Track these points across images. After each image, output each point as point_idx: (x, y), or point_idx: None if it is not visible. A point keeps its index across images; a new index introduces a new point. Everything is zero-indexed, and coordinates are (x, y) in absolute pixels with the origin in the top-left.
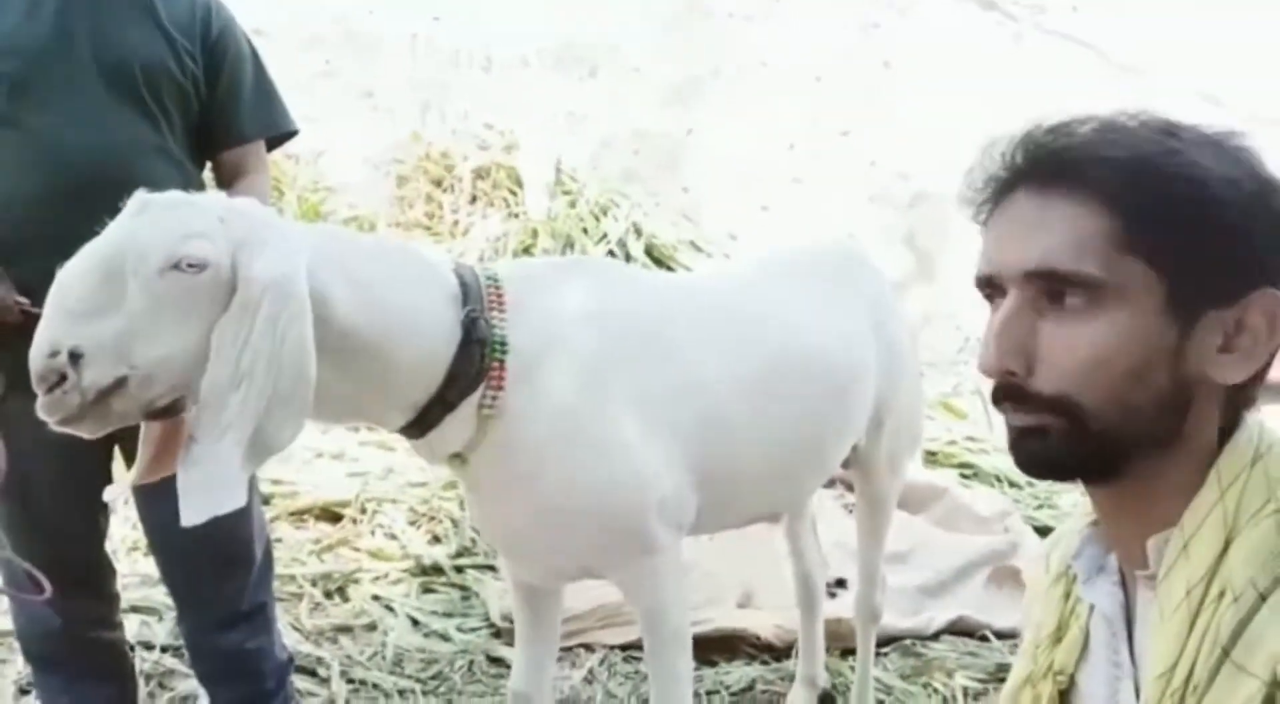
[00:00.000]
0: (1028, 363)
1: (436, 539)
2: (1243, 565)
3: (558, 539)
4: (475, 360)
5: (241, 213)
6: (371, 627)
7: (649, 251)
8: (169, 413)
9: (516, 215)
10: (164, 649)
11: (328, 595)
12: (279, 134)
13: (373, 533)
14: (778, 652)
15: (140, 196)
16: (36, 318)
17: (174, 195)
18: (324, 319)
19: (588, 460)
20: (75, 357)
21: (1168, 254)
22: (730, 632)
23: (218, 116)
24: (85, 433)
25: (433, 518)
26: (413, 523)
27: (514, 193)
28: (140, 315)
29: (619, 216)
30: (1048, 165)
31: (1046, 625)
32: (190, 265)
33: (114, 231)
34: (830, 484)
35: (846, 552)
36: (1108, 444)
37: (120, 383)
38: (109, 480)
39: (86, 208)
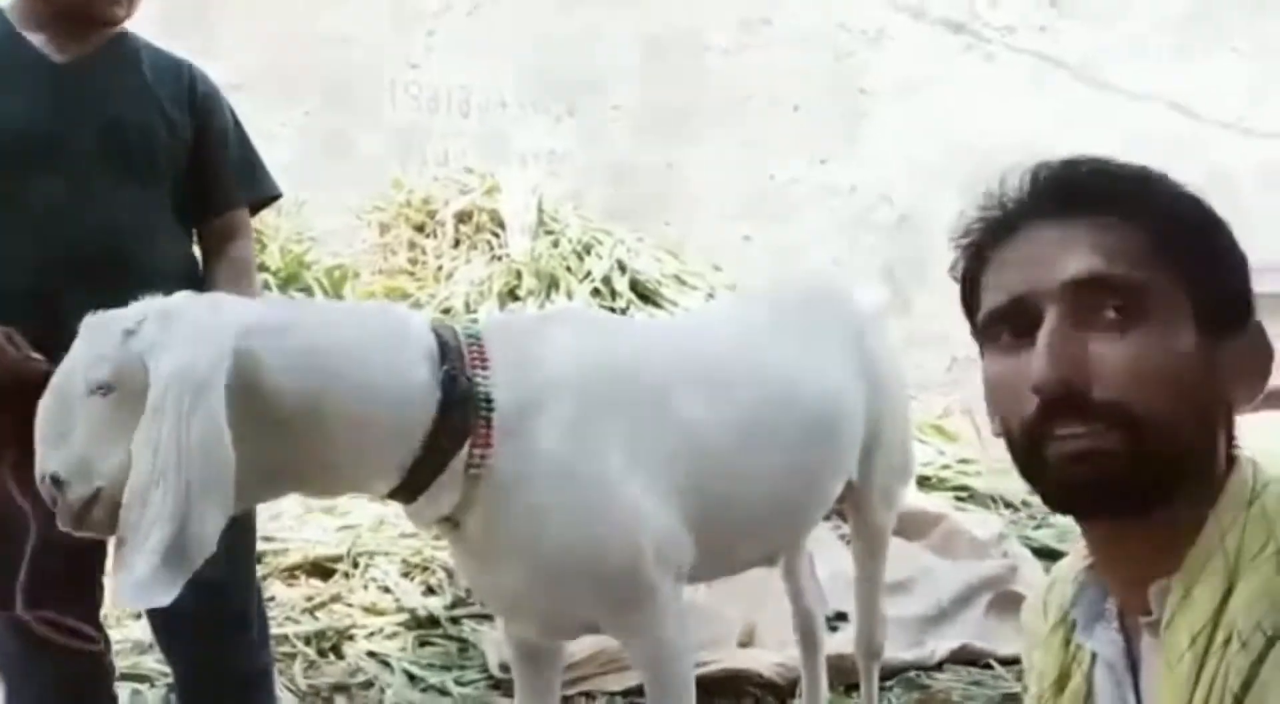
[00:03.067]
0: (1083, 373)
1: (431, 590)
2: (1247, 610)
3: (555, 598)
4: (458, 419)
5: (160, 314)
6: (368, 684)
7: (634, 287)
8: None
9: (500, 258)
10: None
11: (322, 654)
12: (263, 199)
13: (365, 587)
14: (781, 691)
15: (83, 322)
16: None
17: (98, 317)
18: (269, 394)
19: (582, 516)
20: (56, 481)
21: (1192, 270)
22: (733, 672)
23: (204, 183)
24: (98, 536)
25: (426, 568)
26: (406, 575)
27: (496, 235)
28: (88, 436)
29: (603, 254)
30: (1063, 194)
31: (1049, 674)
32: (98, 388)
33: (65, 359)
34: (826, 517)
35: (845, 583)
36: (1160, 466)
37: (96, 495)
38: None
39: (85, 281)
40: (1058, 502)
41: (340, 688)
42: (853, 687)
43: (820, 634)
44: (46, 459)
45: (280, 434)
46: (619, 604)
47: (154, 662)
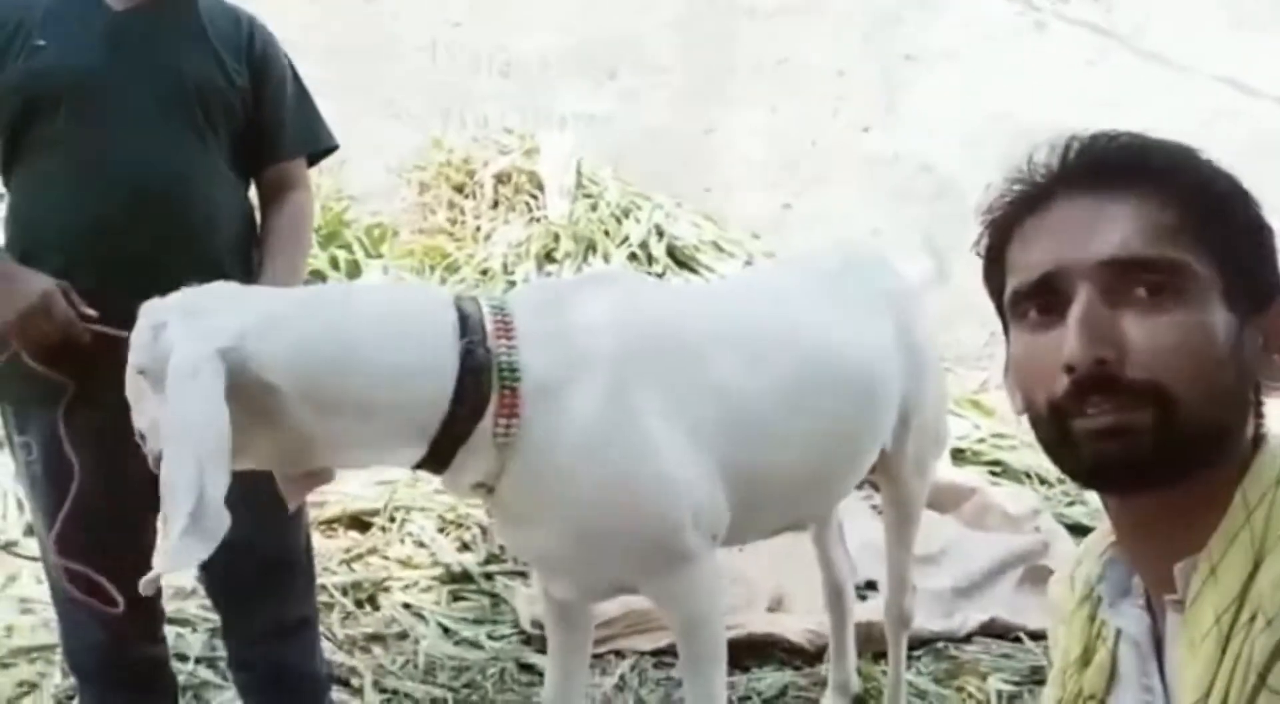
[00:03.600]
0: (1117, 351)
1: (465, 546)
2: (1273, 589)
3: (592, 558)
4: (474, 390)
5: (184, 312)
6: (403, 635)
7: (671, 253)
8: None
9: (538, 220)
10: (198, 660)
11: (358, 604)
12: (320, 150)
13: (402, 541)
14: (809, 656)
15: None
16: (103, 336)
17: (149, 306)
18: (269, 385)
19: (617, 480)
20: (142, 436)
21: (1225, 247)
22: (762, 637)
23: (261, 134)
24: None
25: (461, 525)
26: (441, 530)
27: (535, 197)
28: (151, 409)
29: (640, 219)
30: (1098, 167)
31: (1073, 650)
32: (140, 372)
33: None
34: (859, 485)
35: (875, 552)
36: (1191, 440)
37: (158, 460)
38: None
39: (141, 227)
40: (1086, 477)
41: (376, 638)
42: (881, 655)
43: (849, 601)
44: (136, 418)
45: (294, 418)
46: (654, 568)
47: (196, 607)
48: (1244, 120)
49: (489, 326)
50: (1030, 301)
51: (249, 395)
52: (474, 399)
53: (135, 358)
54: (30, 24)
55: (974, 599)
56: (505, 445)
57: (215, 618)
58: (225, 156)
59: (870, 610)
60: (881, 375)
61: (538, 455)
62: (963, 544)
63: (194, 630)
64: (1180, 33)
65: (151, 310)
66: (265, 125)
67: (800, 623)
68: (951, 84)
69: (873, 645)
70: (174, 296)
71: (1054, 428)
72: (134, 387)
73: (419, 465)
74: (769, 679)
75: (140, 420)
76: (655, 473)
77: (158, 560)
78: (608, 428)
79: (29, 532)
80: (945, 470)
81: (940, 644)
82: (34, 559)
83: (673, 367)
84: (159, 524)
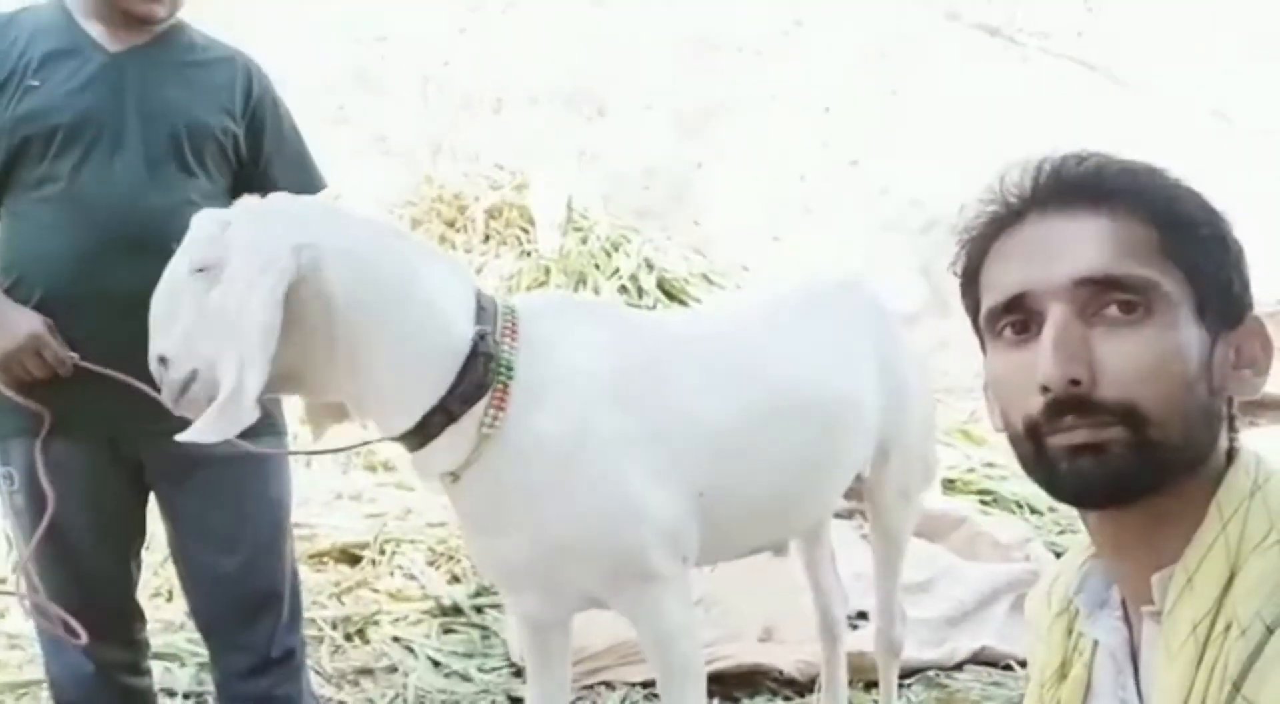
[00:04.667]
0: (1090, 372)
1: (455, 579)
2: (1248, 598)
3: (551, 569)
4: (479, 373)
5: (253, 209)
6: (392, 669)
7: (661, 286)
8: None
9: (529, 253)
10: (186, 696)
11: (348, 638)
12: (311, 192)
13: (392, 574)
14: (800, 686)
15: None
16: (83, 371)
17: (202, 213)
18: (322, 296)
19: (581, 492)
20: (163, 360)
21: (1196, 265)
22: (752, 667)
23: (255, 179)
24: (191, 415)
25: (451, 558)
26: (431, 563)
27: (526, 231)
28: (191, 317)
29: (630, 252)
30: (1069, 188)
31: (1050, 664)
32: (201, 270)
33: (178, 251)
34: (850, 515)
35: (868, 582)
36: (1164, 456)
37: (194, 374)
38: (142, 527)
39: (129, 267)
40: (1061, 492)
41: (365, 672)
42: (873, 684)
43: (840, 630)
44: (155, 341)
45: (319, 336)
46: (621, 585)
47: (185, 641)
48: (1225, 149)
49: (499, 322)
50: (1005, 320)
51: (299, 299)
52: (477, 385)
53: (196, 253)
54: (26, 64)
55: (964, 628)
56: (487, 437)
57: (204, 652)
58: (217, 195)
59: (862, 640)
60: (855, 402)
61: (512, 454)
62: (953, 573)
63: (182, 665)
64: (1164, 65)
65: (212, 213)
66: (259, 171)
67: (791, 653)
68: (938, 118)
69: (864, 675)
70: (238, 203)
71: (1030, 445)
72: (168, 297)
73: (401, 437)
74: None
75: (164, 341)
76: (620, 492)
77: (186, 433)
78: (580, 441)
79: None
80: (935, 499)
81: (931, 673)
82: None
83: (646, 390)
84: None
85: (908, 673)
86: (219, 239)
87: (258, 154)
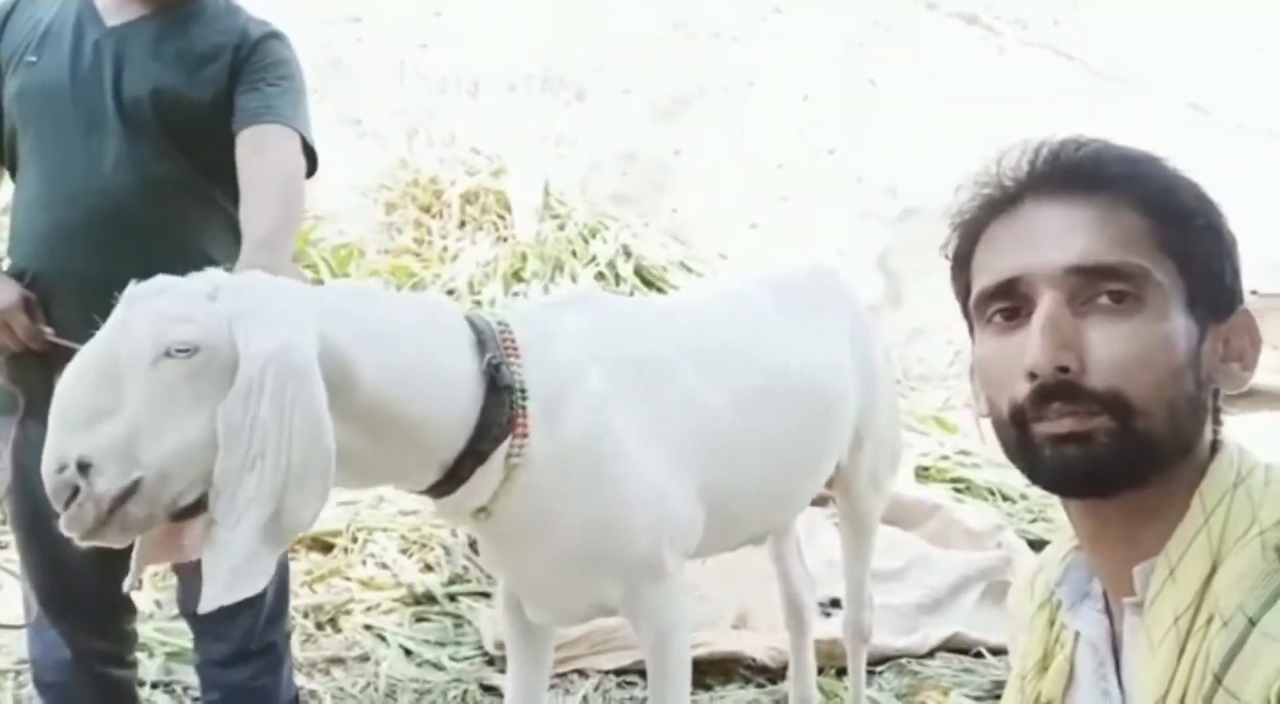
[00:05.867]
0: (1079, 359)
1: (428, 567)
2: (1230, 590)
3: (582, 579)
4: (504, 408)
5: (238, 288)
6: (364, 658)
7: (638, 273)
8: (195, 511)
9: (505, 239)
10: (155, 685)
11: (319, 626)
12: (300, 135)
13: (364, 562)
14: (772, 673)
15: (128, 290)
16: (60, 347)
17: (158, 282)
18: (348, 385)
19: (609, 499)
20: (84, 467)
21: (1188, 255)
22: (725, 654)
23: (234, 108)
24: (112, 543)
25: (424, 546)
26: (404, 551)
27: (502, 217)
28: (142, 412)
29: (608, 239)
30: (1066, 173)
31: (1032, 655)
32: (180, 351)
33: (102, 332)
34: (822, 503)
35: (839, 570)
36: (1149, 446)
37: (134, 487)
38: None
39: (109, 245)
40: (1045, 481)
41: (337, 661)
42: (844, 671)
43: (808, 617)
44: (72, 443)
45: (340, 424)
46: (637, 583)
47: (153, 631)
48: (1202, 140)
49: (500, 345)
50: (995, 305)
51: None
52: (506, 419)
53: (175, 331)
54: (31, 41)
55: (936, 615)
56: (515, 466)
57: (173, 642)
58: (200, 174)
59: (833, 627)
60: (838, 389)
61: (540, 473)
62: (925, 560)
63: (150, 655)
64: (1142, 56)
65: (175, 284)
66: (238, 98)
67: (763, 640)
68: (914, 108)
69: (835, 662)
70: (196, 275)
71: (1014, 431)
72: (98, 381)
73: (430, 488)
74: (732, 697)
75: (87, 441)
76: (644, 489)
77: (214, 586)
78: (597, 447)
79: None
80: (908, 487)
81: (903, 660)
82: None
83: (650, 384)
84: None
85: (879, 660)
86: (208, 315)
87: (243, 86)
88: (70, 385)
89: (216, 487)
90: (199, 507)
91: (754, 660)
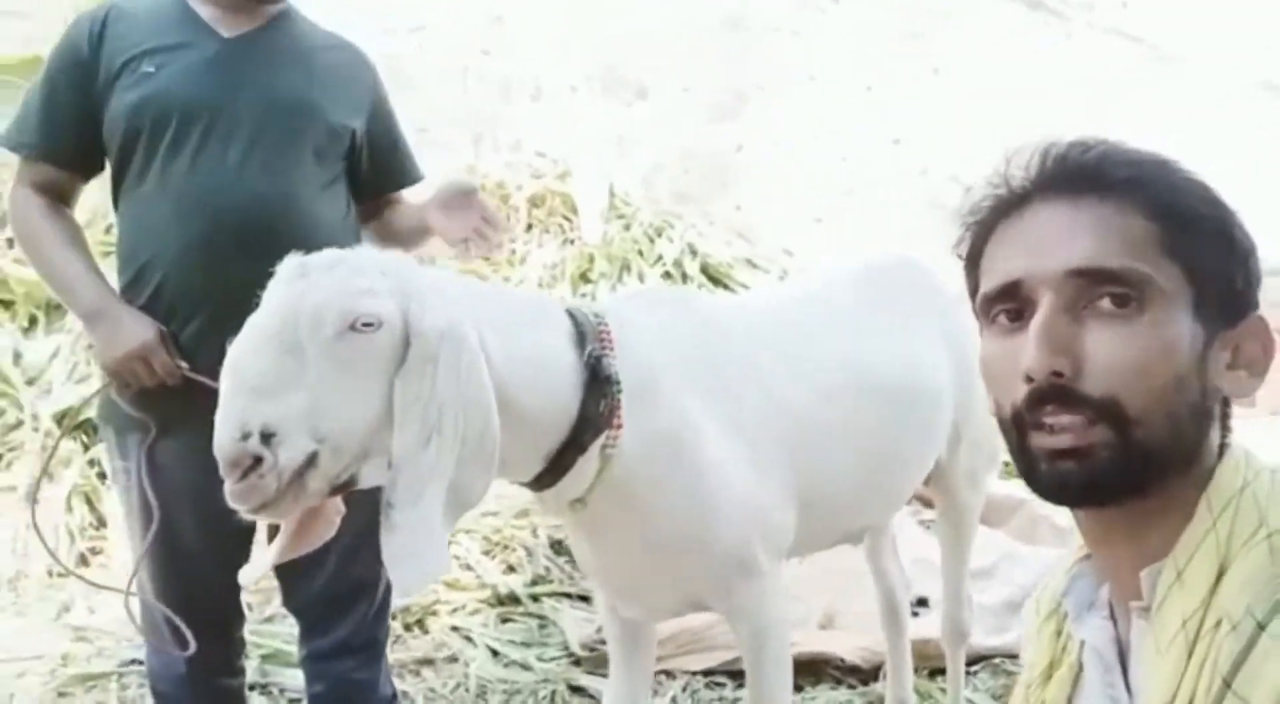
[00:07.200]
0: (1075, 364)
1: (511, 568)
2: (1238, 593)
3: (671, 572)
4: (603, 399)
5: (398, 266)
6: (453, 659)
7: (705, 271)
8: (348, 487)
9: (572, 241)
10: (251, 688)
11: (407, 628)
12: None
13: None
14: (863, 674)
15: (295, 261)
16: (193, 381)
17: (330, 254)
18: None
19: (699, 493)
20: (267, 436)
21: (1195, 260)
22: (814, 655)
23: (370, 170)
24: (278, 517)
25: (506, 547)
26: (487, 552)
27: (569, 219)
28: (324, 384)
29: (673, 238)
30: (1075, 175)
31: (1038, 664)
32: (365, 324)
33: (277, 301)
34: (907, 501)
35: (925, 568)
36: (1149, 457)
37: (312, 459)
38: (251, 526)
39: (240, 258)
40: (1042, 493)
41: (426, 662)
42: (937, 671)
43: (904, 616)
44: (257, 411)
45: None
46: (729, 581)
47: (248, 633)
48: (1276, 120)
49: (599, 336)
50: (998, 306)
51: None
52: (606, 410)
53: (359, 303)
54: (142, 52)
55: None
56: (610, 457)
57: (267, 644)
58: (331, 181)
59: (924, 626)
60: (934, 385)
61: (633, 463)
62: (1014, 557)
63: (246, 657)
64: (1212, 37)
65: (343, 257)
66: (374, 162)
67: (853, 640)
68: (979, 96)
69: (928, 662)
70: (356, 252)
71: (1014, 434)
72: (279, 354)
73: (531, 481)
74: (824, 698)
75: (273, 410)
76: (732, 484)
77: (400, 571)
78: (686, 441)
79: (83, 560)
80: (994, 483)
81: (997, 660)
82: (104, 588)
83: (738, 380)
84: (246, 583)
85: (973, 660)
86: (390, 290)
87: (374, 149)
88: (249, 352)
89: (397, 464)
90: (350, 483)
91: (844, 661)
